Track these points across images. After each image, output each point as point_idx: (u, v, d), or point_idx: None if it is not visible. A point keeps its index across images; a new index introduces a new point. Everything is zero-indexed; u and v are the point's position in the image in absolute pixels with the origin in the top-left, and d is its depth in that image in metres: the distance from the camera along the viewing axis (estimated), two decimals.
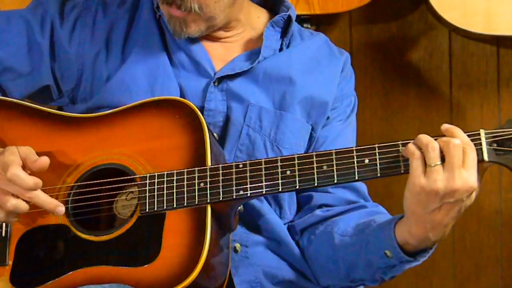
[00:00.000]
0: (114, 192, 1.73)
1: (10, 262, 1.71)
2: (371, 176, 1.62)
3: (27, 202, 1.66)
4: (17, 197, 1.65)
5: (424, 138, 1.57)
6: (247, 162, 1.67)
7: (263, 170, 1.66)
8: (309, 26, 2.58)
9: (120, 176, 1.72)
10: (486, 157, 1.57)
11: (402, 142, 1.61)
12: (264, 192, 1.66)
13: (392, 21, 2.88)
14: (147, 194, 1.68)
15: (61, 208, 1.67)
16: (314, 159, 1.64)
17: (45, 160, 1.67)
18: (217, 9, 1.81)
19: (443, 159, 1.55)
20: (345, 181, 1.63)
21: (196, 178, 1.66)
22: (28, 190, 1.64)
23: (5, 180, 1.63)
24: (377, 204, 1.92)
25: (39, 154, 1.72)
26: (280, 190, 1.65)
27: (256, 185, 1.65)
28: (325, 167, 1.64)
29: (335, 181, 1.63)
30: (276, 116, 1.87)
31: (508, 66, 2.90)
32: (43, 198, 1.66)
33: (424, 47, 2.89)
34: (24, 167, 1.66)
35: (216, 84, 1.87)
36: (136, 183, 1.71)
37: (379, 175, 1.61)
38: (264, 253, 1.86)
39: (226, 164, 1.68)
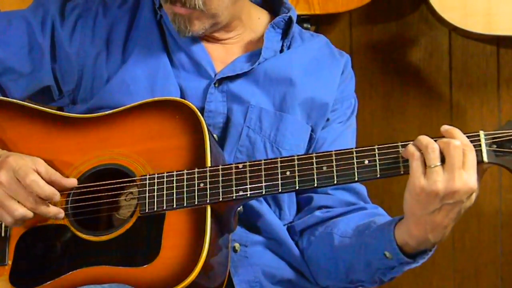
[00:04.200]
0: (114, 193, 1.73)
1: (10, 262, 1.71)
2: (371, 177, 1.62)
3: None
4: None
5: (424, 139, 1.57)
6: (247, 162, 1.67)
7: (263, 170, 1.66)
8: (309, 26, 2.58)
9: (120, 177, 1.72)
10: (485, 159, 1.57)
11: (402, 143, 1.61)
12: (264, 193, 1.66)
13: (392, 21, 2.88)
14: (147, 195, 1.68)
15: (61, 215, 1.70)
16: (314, 160, 1.64)
17: (73, 182, 1.71)
18: (220, 5, 1.81)
19: (442, 160, 1.55)
20: (345, 182, 1.64)
21: (196, 179, 1.67)
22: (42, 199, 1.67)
23: (17, 186, 1.65)
24: (377, 206, 1.92)
25: (39, 154, 1.73)
26: (279, 190, 1.66)
27: (256, 185, 1.65)
28: (325, 168, 1.64)
29: (335, 182, 1.63)
30: (276, 118, 1.88)
31: (508, 66, 2.90)
32: (44, 210, 1.68)
33: (424, 47, 2.90)
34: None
35: (216, 85, 1.87)
36: (136, 183, 1.71)
37: (378, 176, 1.62)
38: (264, 253, 1.87)
39: (225, 165, 1.68)
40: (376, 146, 1.62)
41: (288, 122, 1.88)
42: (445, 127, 1.59)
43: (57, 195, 1.68)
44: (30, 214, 1.67)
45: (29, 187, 1.65)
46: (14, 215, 1.66)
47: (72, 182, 1.72)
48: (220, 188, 1.66)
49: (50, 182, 1.69)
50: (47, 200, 1.67)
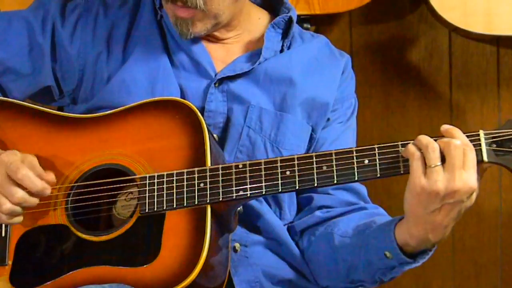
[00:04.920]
0: (114, 193, 1.73)
1: (10, 262, 1.71)
2: (370, 177, 1.62)
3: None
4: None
5: (424, 139, 1.57)
6: (247, 162, 1.67)
7: (263, 170, 1.66)
8: (309, 26, 2.58)
9: (120, 177, 1.72)
10: (485, 158, 1.57)
11: (402, 142, 1.61)
12: (264, 193, 1.66)
13: (392, 21, 2.88)
14: (147, 195, 1.68)
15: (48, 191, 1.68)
16: (314, 159, 1.64)
17: (52, 178, 1.69)
18: (221, 5, 1.81)
19: (442, 160, 1.55)
20: (344, 181, 1.64)
21: (196, 179, 1.67)
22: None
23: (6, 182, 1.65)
24: (377, 206, 1.93)
25: (39, 154, 1.73)
26: (280, 190, 1.66)
27: (256, 185, 1.65)
28: (324, 168, 1.64)
29: (335, 182, 1.63)
30: (277, 117, 1.88)
31: (508, 66, 2.90)
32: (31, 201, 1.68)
33: (424, 47, 2.89)
34: None
35: (216, 85, 1.87)
36: (136, 183, 1.71)
37: (378, 175, 1.62)
38: (264, 253, 1.87)
39: (226, 165, 1.68)
40: (376, 146, 1.62)
41: (288, 122, 1.88)
42: (445, 127, 1.59)
43: (48, 189, 1.67)
44: (18, 209, 1.66)
45: (20, 181, 1.65)
46: (1, 209, 1.66)
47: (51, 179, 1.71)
48: (220, 188, 1.66)
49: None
50: (38, 195, 1.67)
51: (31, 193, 1.66)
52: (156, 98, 1.78)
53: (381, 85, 2.90)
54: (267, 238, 1.87)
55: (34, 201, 1.67)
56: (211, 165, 1.68)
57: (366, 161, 1.62)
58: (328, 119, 1.94)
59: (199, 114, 1.72)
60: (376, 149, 1.62)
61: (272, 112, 1.88)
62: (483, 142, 1.58)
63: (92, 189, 1.73)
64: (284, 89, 1.90)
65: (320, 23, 2.76)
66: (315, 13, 2.58)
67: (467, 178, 1.55)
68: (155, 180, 1.69)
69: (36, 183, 1.65)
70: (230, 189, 1.66)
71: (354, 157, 1.62)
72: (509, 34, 2.64)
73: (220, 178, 1.66)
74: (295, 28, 1.98)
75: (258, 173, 1.66)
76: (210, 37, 1.92)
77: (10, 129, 1.80)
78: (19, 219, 1.69)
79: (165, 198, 1.67)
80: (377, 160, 1.61)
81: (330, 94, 1.94)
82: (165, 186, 1.68)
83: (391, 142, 1.62)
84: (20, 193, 1.65)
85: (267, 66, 1.90)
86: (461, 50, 2.90)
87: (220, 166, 1.67)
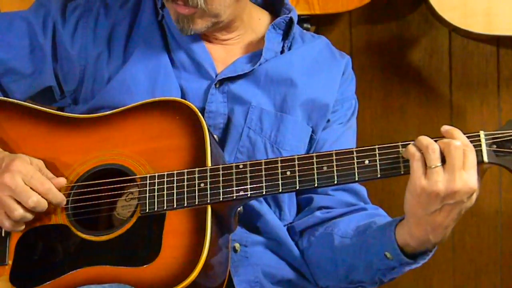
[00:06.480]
0: (114, 193, 1.73)
1: (10, 262, 1.71)
2: (371, 177, 1.62)
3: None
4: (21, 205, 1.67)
5: (424, 139, 1.57)
6: (247, 162, 1.67)
7: (263, 170, 1.66)
8: (309, 26, 2.58)
9: (121, 177, 1.72)
10: (485, 159, 1.58)
11: (402, 143, 1.61)
12: (264, 193, 1.66)
13: (392, 21, 2.88)
14: (147, 195, 1.68)
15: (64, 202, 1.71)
16: (314, 159, 1.64)
17: (62, 181, 1.70)
18: (222, 5, 1.81)
19: (442, 160, 1.55)
20: (345, 181, 1.64)
21: (196, 179, 1.67)
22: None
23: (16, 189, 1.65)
24: (377, 207, 1.93)
25: (40, 154, 1.73)
26: (280, 190, 1.66)
27: (256, 185, 1.66)
28: (325, 168, 1.64)
29: (335, 182, 1.63)
30: (277, 118, 1.88)
31: (508, 66, 2.90)
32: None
33: (424, 47, 2.89)
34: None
35: (217, 86, 1.87)
36: (136, 183, 1.71)
37: (379, 176, 1.62)
38: (264, 253, 1.87)
39: (226, 165, 1.68)
40: (376, 146, 1.62)
41: (288, 123, 1.88)
42: (445, 128, 1.59)
43: (64, 201, 1.70)
44: (29, 215, 1.67)
45: (45, 195, 1.66)
46: (13, 215, 1.66)
47: (62, 182, 1.73)
48: (221, 188, 1.66)
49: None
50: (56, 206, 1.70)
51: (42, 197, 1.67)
52: (156, 99, 1.78)
53: (381, 85, 2.90)
54: (267, 238, 1.87)
55: (46, 203, 1.68)
56: (212, 165, 1.68)
57: (367, 162, 1.62)
58: (328, 120, 1.94)
59: (199, 114, 1.72)
60: (377, 149, 1.62)
61: (272, 113, 1.88)
62: (483, 142, 1.58)
63: (92, 189, 1.73)
64: (284, 90, 1.90)
65: (320, 23, 2.76)
66: (315, 13, 2.58)
67: (467, 178, 1.55)
68: (156, 180, 1.69)
69: (58, 195, 1.68)
70: (230, 189, 1.66)
71: (355, 158, 1.63)
72: (509, 34, 2.64)
73: (221, 178, 1.66)
74: (296, 29, 1.98)
75: (258, 173, 1.66)
76: (211, 38, 1.92)
77: (11, 129, 1.81)
78: (23, 226, 1.70)
79: (165, 198, 1.67)
80: (378, 160, 1.61)
81: (330, 95, 1.95)
82: (165, 186, 1.68)
83: (391, 142, 1.62)
84: (35, 197, 1.66)
85: (267, 67, 1.90)
86: (461, 50, 2.90)
87: (221, 166, 1.67)
